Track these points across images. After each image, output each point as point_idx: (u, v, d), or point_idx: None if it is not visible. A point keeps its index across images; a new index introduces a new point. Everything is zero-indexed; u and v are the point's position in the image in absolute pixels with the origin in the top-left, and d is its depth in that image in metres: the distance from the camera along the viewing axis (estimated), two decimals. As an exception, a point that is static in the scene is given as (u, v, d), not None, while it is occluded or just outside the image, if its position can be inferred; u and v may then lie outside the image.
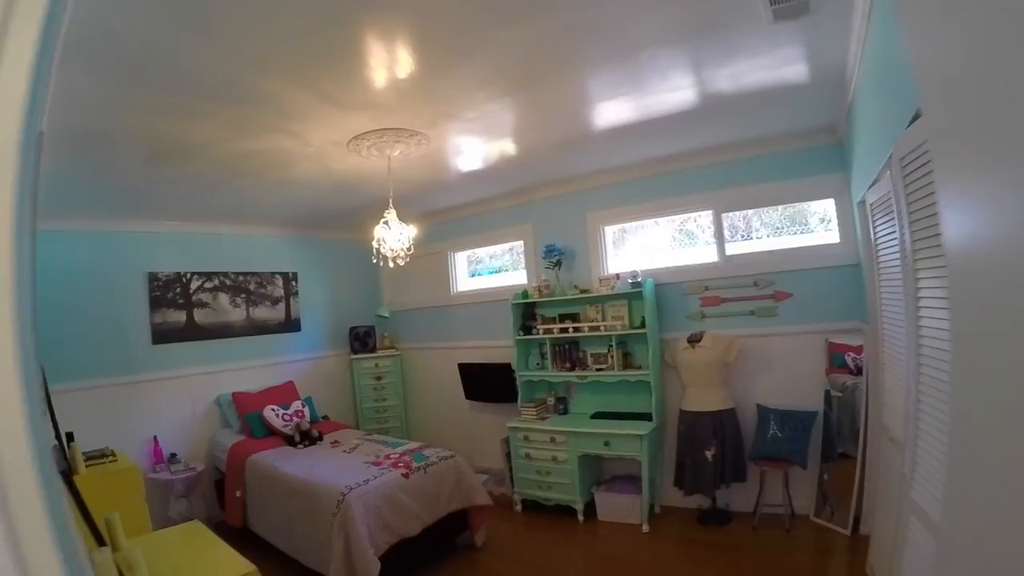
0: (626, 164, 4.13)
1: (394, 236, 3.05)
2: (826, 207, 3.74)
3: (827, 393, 3.54)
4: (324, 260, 5.77)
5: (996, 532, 0.82)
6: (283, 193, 4.06)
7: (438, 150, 3.34)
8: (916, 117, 1.54)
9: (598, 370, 4.24)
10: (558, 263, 4.54)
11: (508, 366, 4.75)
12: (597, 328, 4.20)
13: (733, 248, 4.03)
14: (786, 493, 3.59)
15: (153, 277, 4.44)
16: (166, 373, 4.43)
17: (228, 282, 4.95)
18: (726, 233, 4.06)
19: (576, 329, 4.31)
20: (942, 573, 1.19)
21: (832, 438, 3.49)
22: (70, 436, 2.27)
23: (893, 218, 2.08)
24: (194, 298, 4.70)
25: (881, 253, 2.58)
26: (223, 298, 4.90)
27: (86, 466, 2.22)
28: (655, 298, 4.10)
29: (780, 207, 3.95)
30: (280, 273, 5.35)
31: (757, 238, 4.09)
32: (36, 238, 0.74)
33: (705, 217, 4.18)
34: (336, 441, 4.28)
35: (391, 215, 3.12)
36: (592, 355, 4.32)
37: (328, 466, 3.58)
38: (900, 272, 2.06)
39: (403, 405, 5.82)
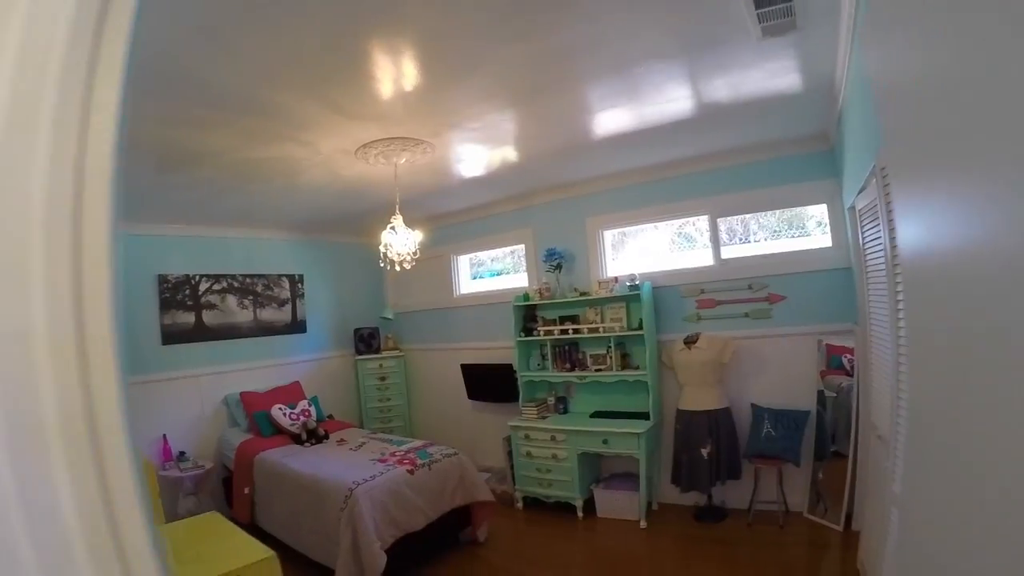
0: (624, 170, 4.24)
1: (401, 241, 3.16)
2: (822, 211, 3.85)
3: (820, 393, 3.64)
4: (329, 263, 5.88)
5: (944, 505, 0.93)
6: (291, 198, 4.17)
7: (442, 157, 3.45)
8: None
9: (597, 370, 4.34)
10: (558, 266, 4.65)
11: (510, 367, 4.85)
12: (596, 330, 4.31)
13: (728, 252, 4.13)
14: (780, 490, 3.68)
15: (163, 279, 4.55)
16: (175, 373, 4.54)
17: (236, 284, 5.06)
18: (724, 236, 4.17)
19: (576, 331, 4.41)
20: (903, 535, 1.30)
21: (825, 437, 3.59)
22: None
23: (879, 224, 2.19)
24: (203, 300, 4.81)
25: (869, 257, 2.69)
26: (231, 300, 5.01)
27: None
28: (652, 300, 4.20)
29: (778, 211, 4.05)
30: (286, 275, 5.47)
31: (755, 241, 4.20)
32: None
33: (702, 221, 4.29)
34: (342, 440, 4.39)
35: (398, 221, 3.23)
36: (591, 356, 4.42)
37: (335, 463, 3.68)
38: (885, 276, 2.17)
39: (407, 405, 5.93)
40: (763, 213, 4.10)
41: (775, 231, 4.14)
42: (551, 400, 4.63)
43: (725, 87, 2.73)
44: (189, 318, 4.70)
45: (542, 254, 4.77)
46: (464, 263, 5.81)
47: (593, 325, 4.36)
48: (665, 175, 4.24)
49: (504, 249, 5.50)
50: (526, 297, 4.75)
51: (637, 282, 4.14)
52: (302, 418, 4.58)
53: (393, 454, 3.75)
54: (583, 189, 4.63)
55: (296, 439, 4.35)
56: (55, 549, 0.59)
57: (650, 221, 4.50)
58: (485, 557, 3.66)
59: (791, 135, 3.61)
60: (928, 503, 1.01)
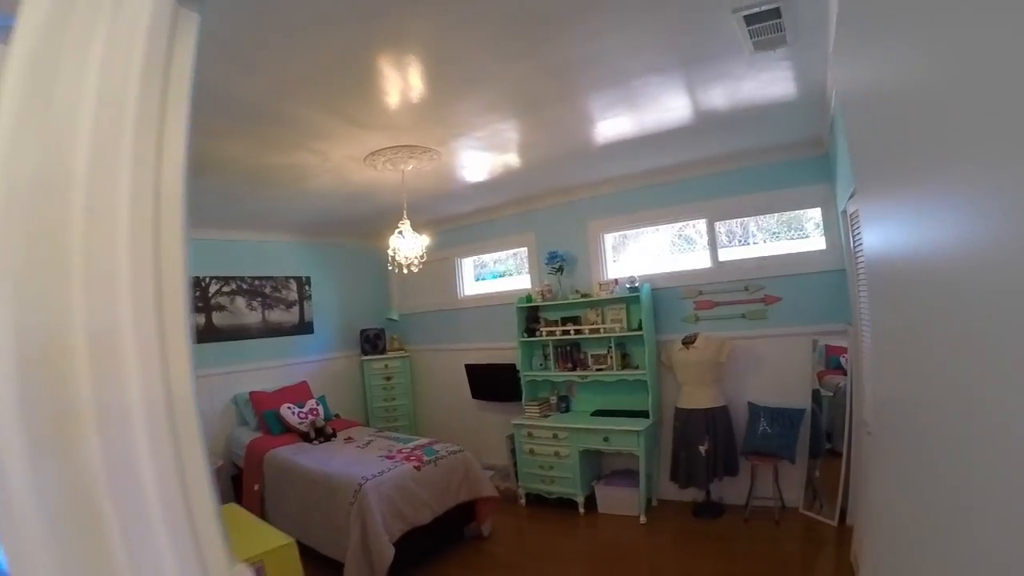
0: (624, 175, 4.35)
1: (409, 245, 3.28)
2: (817, 214, 3.94)
3: (816, 392, 3.74)
4: (336, 265, 6.00)
5: (902, 497, 1.04)
6: (300, 202, 4.29)
7: (448, 164, 3.57)
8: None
9: (598, 370, 4.45)
10: (560, 269, 4.76)
11: (513, 366, 4.96)
12: (597, 330, 4.41)
13: (726, 254, 4.24)
14: (776, 487, 3.78)
15: (175, 282, 4.65)
16: (187, 373, 4.64)
17: (245, 286, 5.18)
18: (724, 238, 4.28)
19: (577, 331, 4.52)
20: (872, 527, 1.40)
21: (820, 435, 3.68)
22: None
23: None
24: (212, 301, 4.93)
25: (860, 259, 2.79)
26: (240, 301, 5.13)
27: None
28: (652, 302, 4.31)
29: (777, 213, 4.15)
30: (294, 277, 5.59)
31: (754, 243, 4.31)
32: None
33: (700, 224, 4.39)
34: (349, 437, 4.50)
35: (405, 226, 3.34)
36: (592, 356, 4.53)
37: (344, 460, 3.80)
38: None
39: (412, 404, 6.04)
40: (762, 216, 4.20)
41: (774, 233, 4.25)
42: (553, 399, 4.74)
43: (721, 96, 2.84)
44: (199, 319, 4.82)
45: (544, 256, 4.88)
46: (468, 265, 5.92)
47: (594, 326, 4.47)
48: (663, 180, 4.35)
49: (507, 251, 5.62)
50: (529, 299, 4.86)
51: (637, 284, 4.25)
52: (310, 417, 4.70)
53: (400, 451, 3.86)
54: (584, 193, 4.74)
55: (305, 437, 4.46)
56: (136, 513, 0.70)
57: (649, 224, 4.61)
58: (489, 551, 3.77)
59: (786, 141, 3.71)
60: (890, 496, 1.12)
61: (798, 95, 2.91)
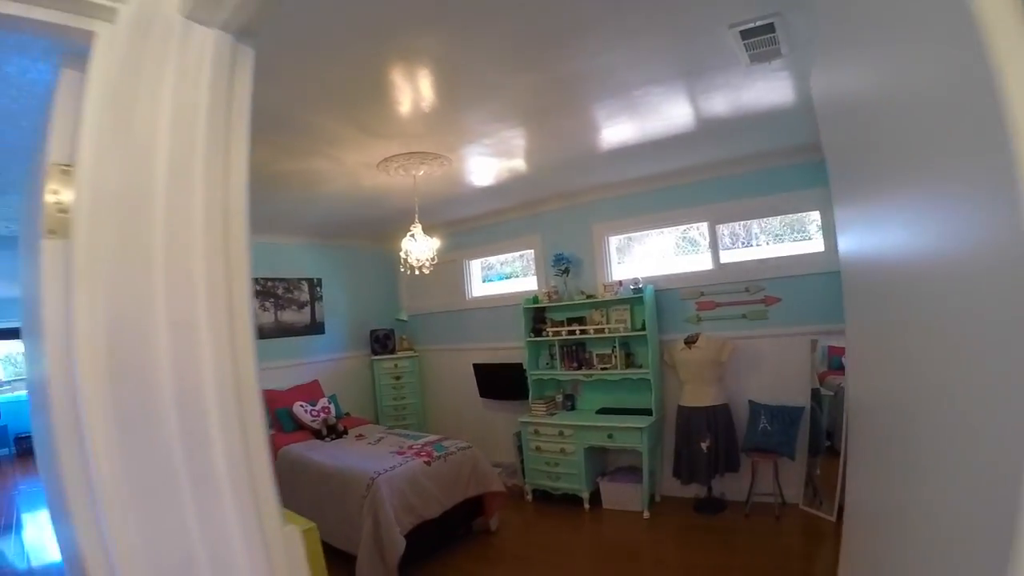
0: (628, 179, 4.47)
1: (420, 248, 3.41)
2: (817, 217, 4.04)
3: (816, 391, 3.83)
4: (347, 267, 6.13)
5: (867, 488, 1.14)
6: (313, 206, 4.43)
7: (457, 169, 3.70)
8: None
9: (603, 369, 4.56)
10: (566, 271, 4.88)
11: (520, 366, 5.07)
12: (602, 330, 4.52)
13: (727, 256, 4.35)
14: (776, 483, 3.88)
15: (192, 283, 4.80)
16: (204, 371, 4.78)
17: (258, 287, 5.32)
18: (727, 240, 4.38)
19: (582, 331, 4.63)
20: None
21: (819, 432, 3.78)
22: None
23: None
24: (228, 302, 5.06)
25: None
26: (253, 302, 5.26)
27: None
28: (655, 303, 4.42)
29: (779, 216, 4.25)
30: (306, 279, 5.72)
31: (757, 245, 4.41)
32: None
33: (703, 227, 4.50)
34: (360, 435, 4.63)
35: (417, 229, 3.47)
36: (597, 355, 4.64)
37: (356, 455, 3.92)
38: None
39: (421, 403, 6.16)
40: (766, 218, 4.30)
41: (777, 235, 4.35)
42: (559, 397, 4.86)
43: (720, 104, 2.95)
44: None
45: (550, 259, 5.00)
46: (476, 267, 6.04)
47: (599, 326, 4.58)
48: (667, 184, 4.46)
49: (514, 254, 5.74)
50: (535, 299, 4.97)
51: (640, 285, 4.36)
52: (322, 415, 4.83)
53: (411, 447, 3.98)
54: (589, 197, 4.86)
55: (317, 434, 4.59)
56: (207, 477, 0.83)
57: (653, 228, 4.73)
58: (497, 544, 3.88)
59: (785, 146, 3.81)
60: (859, 489, 1.22)
61: (795, 102, 3.01)
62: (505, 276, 5.95)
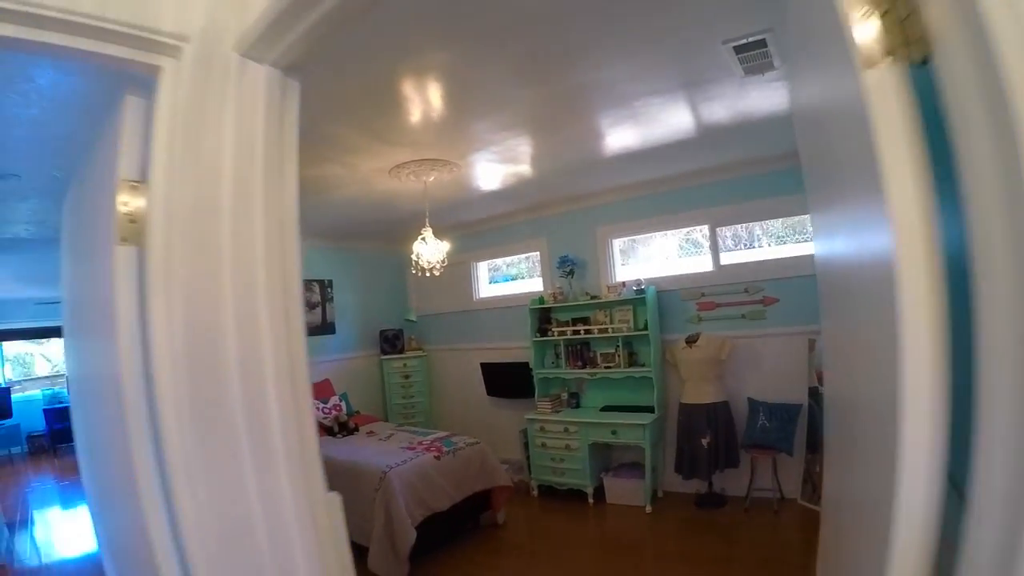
0: (631, 183, 4.60)
1: (431, 250, 3.55)
2: (814, 220, 4.15)
3: (814, 389, 3.93)
4: (357, 269, 6.28)
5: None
6: (326, 210, 4.58)
7: (466, 175, 3.84)
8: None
9: (606, 368, 4.69)
10: (571, 272, 5.01)
11: (526, 365, 5.21)
12: (605, 330, 4.66)
13: (727, 258, 4.47)
14: (775, 478, 3.99)
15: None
16: (220, 370, 4.94)
17: (272, 289, 5.47)
18: (729, 242, 4.50)
19: (587, 331, 4.76)
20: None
21: (816, 429, 3.89)
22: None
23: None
24: (243, 303, 5.21)
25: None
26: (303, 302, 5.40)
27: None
28: (657, 303, 4.55)
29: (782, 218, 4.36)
30: (317, 280, 5.87)
31: (759, 247, 4.52)
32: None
33: (704, 229, 4.62)
34: (371, 432, 4.77)
35: (428, 232, 3.62)
36: (601, 354, 4.77)
37: (368, 451, 4.07)
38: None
39: (429, 401, 6.30)
40: (767, 220, 4.41)
41: (780, 237, 4.46)
42: (564, 395, 5.00)
43: (719, 112, 3.08)
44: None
45: (556, 261, 5.14)
46: (483, 269, 6.18)
47: (602, 326, 4.72)
48: (669, 188, 4.59)
49: (520, 256, 5.88)
50: (541, 300, 5.11)
51: (643, 286, 4.49)
52: (334, 412, 4.98)
53: (421, 443, 4.12)
54: (593, 201, 4.99)
55: (329, 431, 4.73)
56: (265, 444, 0.97)
57: (655, 230, 4.85)
58: (504, 537, 4.01)
59: (783, 150, 3.91)
60: (828, 483, 1.33)
61: (791, 109, 3.13)
62: (511, 277, 6.09)
